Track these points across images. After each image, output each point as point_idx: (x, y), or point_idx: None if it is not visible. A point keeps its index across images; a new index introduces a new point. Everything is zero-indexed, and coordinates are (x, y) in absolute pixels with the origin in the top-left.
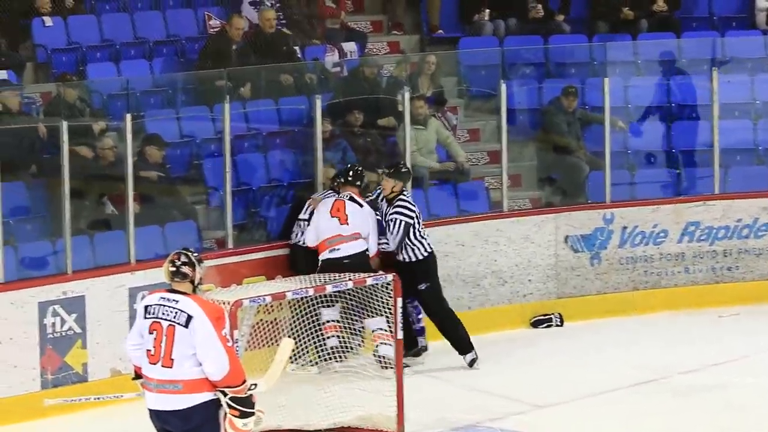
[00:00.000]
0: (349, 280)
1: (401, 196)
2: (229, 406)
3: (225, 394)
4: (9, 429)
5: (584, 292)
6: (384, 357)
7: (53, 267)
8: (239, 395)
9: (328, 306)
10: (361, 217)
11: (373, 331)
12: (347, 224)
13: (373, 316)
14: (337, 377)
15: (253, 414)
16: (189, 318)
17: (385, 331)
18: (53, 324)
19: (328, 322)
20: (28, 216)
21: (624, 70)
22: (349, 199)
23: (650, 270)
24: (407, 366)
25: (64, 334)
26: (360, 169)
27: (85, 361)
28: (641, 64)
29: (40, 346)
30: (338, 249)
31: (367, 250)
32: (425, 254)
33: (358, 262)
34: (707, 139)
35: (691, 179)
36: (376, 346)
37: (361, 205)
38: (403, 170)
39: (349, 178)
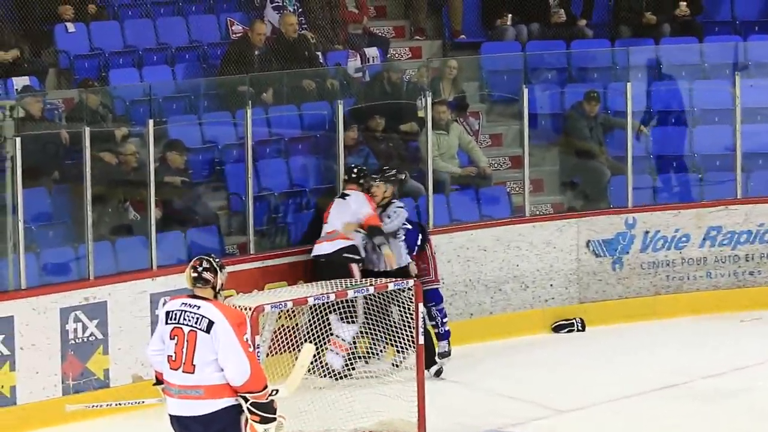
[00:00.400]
0: (370, 285)
1: (395, 201)
2: (250, 412)
3: (246, 400)
4: None
5: (606, 297)
6: (329, 366)
7: (75, 273)
8: (260, 401)
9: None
10: (340, 209)
11: (330, 335)
12: (326, 223)
13: (347, 322)
14: (357, 382)
15: (274, 419)
16: (210, 323)
17: (340, 340)
18: (75, 330)
19: (334, 335)
20: (51, 222)
21: (646, 74)
22: (339, 197)
23: (672, 275)
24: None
25: (85, 339)
26: (360, 167)
27: (107, 367)
28: (664, 69)
29: (61, 352)
30: (313, 249)
31: (348, 248)
32: (407, 263)
33: (338, 262)
34: (729, 143)
35: (712, 183)
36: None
37: (345, 196)
38: (391, 175)
39: (353, 176)
